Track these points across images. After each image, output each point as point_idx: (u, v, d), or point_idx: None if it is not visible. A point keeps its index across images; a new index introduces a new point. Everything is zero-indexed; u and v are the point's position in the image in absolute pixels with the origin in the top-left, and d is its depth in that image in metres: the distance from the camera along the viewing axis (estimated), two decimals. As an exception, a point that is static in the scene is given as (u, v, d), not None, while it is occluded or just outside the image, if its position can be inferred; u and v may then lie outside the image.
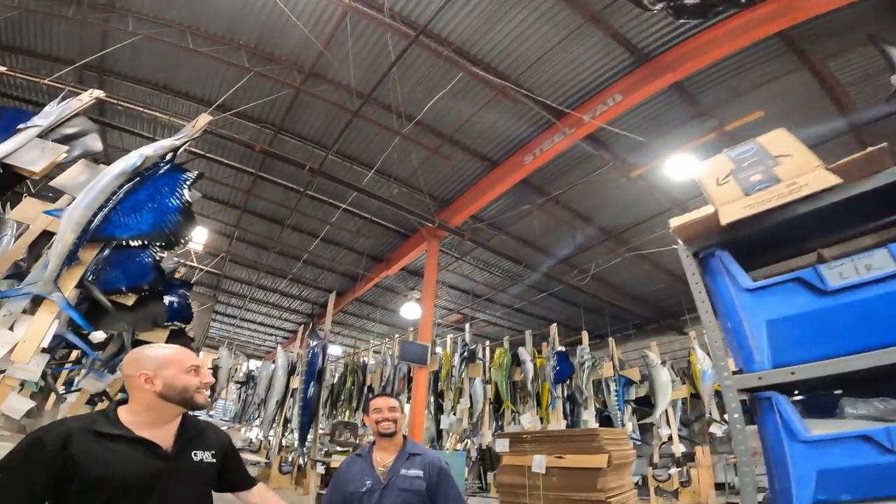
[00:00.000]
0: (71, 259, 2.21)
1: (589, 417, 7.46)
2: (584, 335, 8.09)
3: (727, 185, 1.70)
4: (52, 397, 4.40)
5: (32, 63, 6.08)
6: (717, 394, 7.48)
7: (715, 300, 1.70)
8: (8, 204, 2.88)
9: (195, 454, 1.41)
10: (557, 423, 7.13)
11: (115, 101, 4.57)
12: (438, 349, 8.18)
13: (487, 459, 8.83)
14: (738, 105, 6.00)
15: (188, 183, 2.57)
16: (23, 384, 3.85)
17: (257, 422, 9.57)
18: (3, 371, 2.17)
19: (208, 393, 1.45)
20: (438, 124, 6.84)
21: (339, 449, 6.64)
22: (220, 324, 15.77)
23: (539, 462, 5.72)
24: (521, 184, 7.43)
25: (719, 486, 7.84)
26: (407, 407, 8.00)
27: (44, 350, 2.26)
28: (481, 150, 7.28)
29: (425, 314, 7.33)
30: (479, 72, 5.77)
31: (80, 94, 2.83)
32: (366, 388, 9.16)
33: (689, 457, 8.16)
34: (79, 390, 4.50)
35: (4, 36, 5.95)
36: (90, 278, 2.40)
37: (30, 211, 2.46)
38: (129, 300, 2.80)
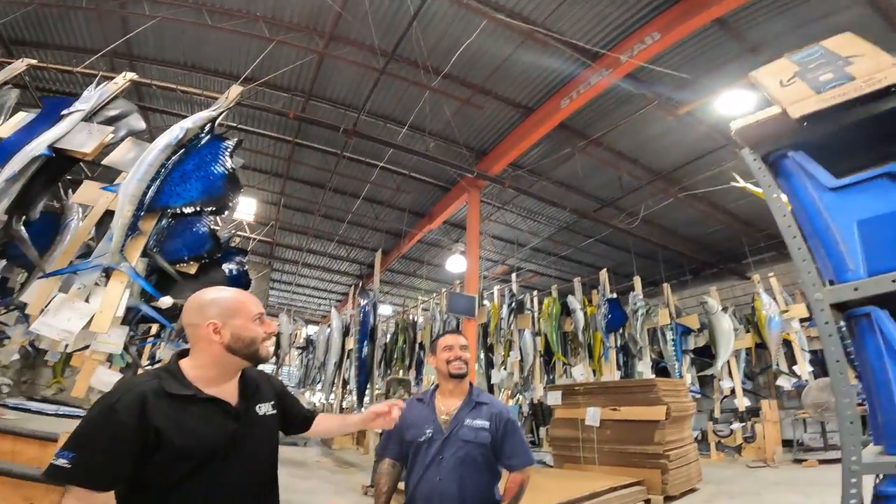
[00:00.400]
0: (132, 230, 2.35)
1: (644, 369, 7.23)
2: (637, 281, 7.79)
3: (793, 85, 1.50)
4: (139, 373, 4.90)
5: (61, 56, 6.31)
6: (786, 343, 7.02)
7: (792, 206, 1.51)
8: (70, 190, 3.06)
9: (259, 408, 1.33)
10: (611, 375, 6.99)
11: (149, 83, 4.67)
12: (486, 302, 8.21)
13: (539, 414, 8.97)
14: (790, 40, 5.26)
15: (229, 150, 2.68)
16: (111, 360, 4.33)
17: (318, 385, 10.04)
18: (87, 346, 2.35)
19: (272, 346, 1.33)
20: (467, 75, 6.59)
21: None
22: (277, 291, 16.64)
23: (592, 415, 5.61)
24: (560, 128, 7.12)
25: (787, 443, 7.43)
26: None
27: (123, 322, 2.43)
28: (514, 97, 6.97)
29: (470, 266, 7.32)
30: (504, 18, 5.44)
31: (114, 78, 2.93)
32: (417, 346, 9.49)
33: (754, 412, 7.73)
34: (160, 362, 4.97)
35: (27, 33, 6.19)
36: (153, 248, 2.55)
37: (90, 193, 2.61)
38: (192, 269, 2.94)
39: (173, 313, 3.41)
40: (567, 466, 5.68)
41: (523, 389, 8.16)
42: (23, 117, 2.65)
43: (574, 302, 7.69)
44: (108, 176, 2.69)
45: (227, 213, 2.82)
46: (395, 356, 9.87)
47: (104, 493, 1.10)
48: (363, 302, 7.62)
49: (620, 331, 7.53)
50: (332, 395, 8.80)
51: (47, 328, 2.15)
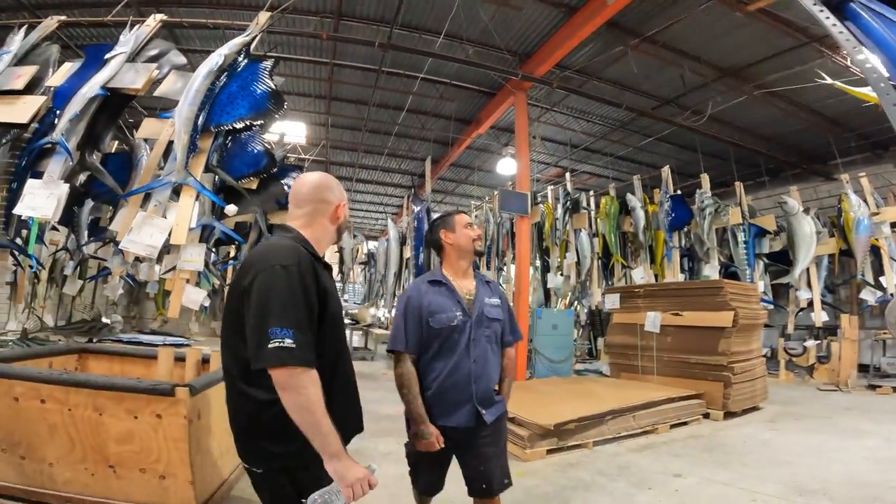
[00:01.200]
0: (192, 149, 2.57)
1: (711, 273, 6.69)
2: (704, 178, 7.16)
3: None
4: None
5: (88, 12, 6.09)
6: (874, 250, 6.27)
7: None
8: (134, 131, 3.25)
9: None
10: (674, 278, 6.65)
11: (179, 21, 4.53)
12: (540, 205, 7.99)
13: (598, 324, 8.89)
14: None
15: (268, 70, 2.81)
16: (199, 283, 4.83)
17: (381, 301, 10.41)
18: (173, 269, 2.70)
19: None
20: (500, -26, 5.79)
21: None
22: None
23: (653, 320, 5.47)
24: (609, 26, 6.38)
25: (862, 368, 6.69)
26: (512, 268, 8.28)
27: (200, 240, 2.76)
28: (554, -6, 6.14)
29: (521, 167, 7.06)
30: None
31: (146, 21, 3.02)
32: (471, 251, 9.60)
33: (831, 330, 6.94)
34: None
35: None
36: (216, 165, 2.78)
37: (151, 127, 2.85)
38: (254, 184, 3.16)
39: (244, 231, 3.95)
40: (624, 376, 5.64)
41: (581, 296, 8.14)
42: (70, 66, 2.82)
43: (633, 200, 7.27)
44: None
45: (274, 122, 2.97)
46: None
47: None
48: (417, 208, 7.70)
49: (686, 230, 7.10)
50: (394, 308, 9.33)
51: (133, 244, 2.47)
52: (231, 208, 2.85)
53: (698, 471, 3.30)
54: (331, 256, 14.62)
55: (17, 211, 2.46)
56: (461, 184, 14.19)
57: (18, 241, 3.26)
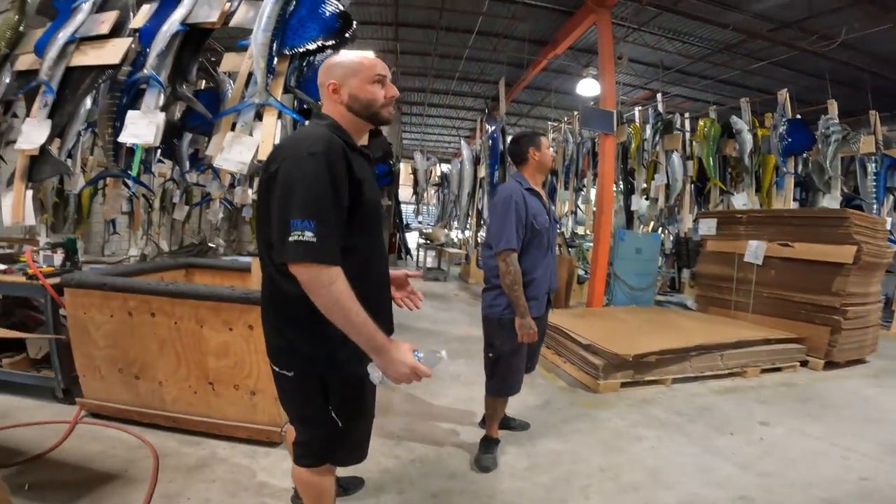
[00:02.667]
0: (270, 72, 2.68)
1: (831, 203, 5.92)
2: (832, 104, 6.04)
3: None
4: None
5: None
6: None
7: None
8: (217, 68, 3.41)
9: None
10: (784, 207, 5.90)
11: None
12: (626, 126, 7.30)
13: (684, 255, 8.21)
14: None
15: None
16: None
17: (455, 222, 10.46)
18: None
19: (392, 108, 1.27)
20: None
21: None
22: (409, 133, 17.39)
23: (755, 249, 4.86)
24: None
25: None
26: (593, 190, 7.81)
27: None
28: None
29: (606, 86, 6.34)
30: None
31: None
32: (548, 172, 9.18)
33: None
34: None
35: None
36: (293, 85, 2.86)
37: (231, 60, 2.97)
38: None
39: None
40: (712, 311, 5.15)
41: (668, 221, 7.56)
42: (148, 7, 2.90)
43: (739, 122, 6.35)
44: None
45: (346, 45, 2.90)
46: None
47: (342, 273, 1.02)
48: (491, 128, 7.40)
49: (805, 156, 6.16)
50: (468, 229, 9.26)
51: (226, 161, 2.64)
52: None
53: (787, 421, 3.06)
54: (405, 178, 14.96)
55: (121, 139, 2.69)
56: (536, 106, 13.53)
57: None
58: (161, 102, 2.73)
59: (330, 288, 1.00)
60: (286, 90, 2.79)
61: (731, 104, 7.53)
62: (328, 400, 1.18)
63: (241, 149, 2.62)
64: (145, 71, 2.70)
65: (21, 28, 3.04)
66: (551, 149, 2.24)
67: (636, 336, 3.87)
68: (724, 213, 5.76)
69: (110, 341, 2.38)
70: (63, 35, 2.83)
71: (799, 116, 6.19)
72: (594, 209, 6.46)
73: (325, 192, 1.02)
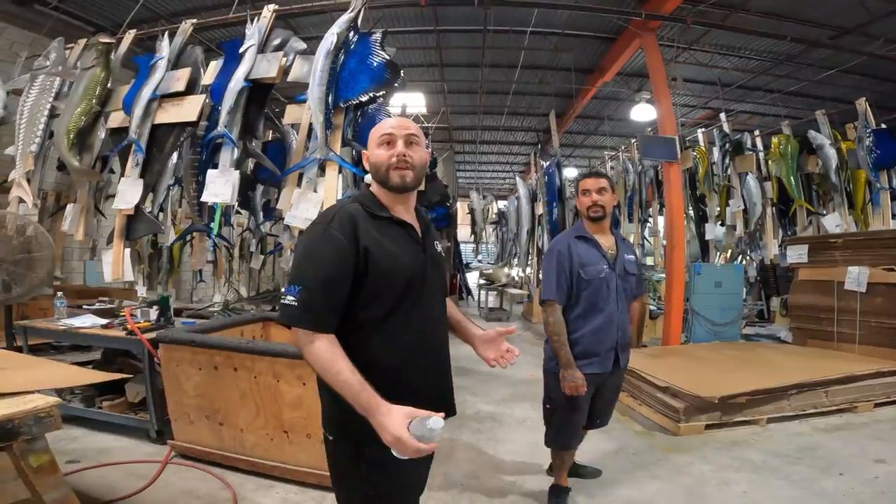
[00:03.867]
0: (328, 126, 2.82)
1: None
2: None
3: None
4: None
5: (210, 14, 6.70)
6: None
7: None
8: (281, 120, 3.67)
9: (435, 244, 1.28)
10: (883, 227, 5.26)
11: (288, 9, 4.74)
12: (691, 150, 6.97)
13: (772, 282, 7.55)
14: None
15: (378, 42, 2.94)
16: None
17: (515, 260, 10.29)
18: None
19: (409, 173, 1.16)
20: None
21: None
22: (463, 172, 17.74)
23: (856, 276, 4.37)
24: None
25: None
26: (661, 219, 7.41)
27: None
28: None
29: (662, 110, 6.11)
30: None
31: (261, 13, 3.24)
32: (611, 204, 8.87)
33: None
34: None
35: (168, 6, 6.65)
36: (350, 136, 3.03)
37: (293, 113, 3.18)
38: None
39: None
40: (811, 343, 4.67)
41: (750, 248, 6.98)
42: (216, 64, 3.19)
43: (819, 137, 5.84)
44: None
45: (394, 93, 3.10)
46: None
47: (328, 336, 1.03)
48: (545, 164, 7.35)
49: (896, 169, 5.52)
50: (529, 267, 9.10)
51: (295, 219, 2.80)
52: (369, 177, 3.05)
53: None
54: (462, 217, 15.15)
55: (203, 199, 2.97)
56: (590, 135, 13.31)
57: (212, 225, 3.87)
58: (235, 159, 2.99)
59: (308, 348, 1.02)
60: (345, 143, 2.94)
61: (806, 117, 6.95)
62: (359, 467, 1.12)
63: (307, 206, 2.78)
64: (219, 129, 2.95)
65: (108, 84, 3.34)
66: (601, 184, 2.09)
67: (722, 375, 3.55)
68: (816, 238, 5.22)
69: (199, 391, 2.58)
70: (146, 93, 3.10)
71: (884, 126, 5.59)
72: (663, 242, 6.11)
73: (311, 261, 1.07)
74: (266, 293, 10.32)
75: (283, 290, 1.08)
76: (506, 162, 16.58)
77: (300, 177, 2.97)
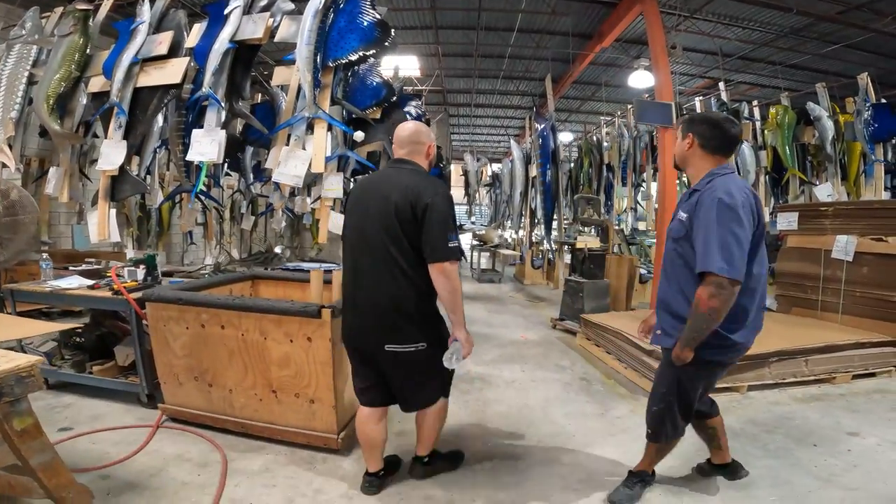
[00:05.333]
0: (317, 85, 2.76)
1: None
2: None
3: None
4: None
5: None
6: None
7: None
8: (269, 82, 3.65)
9: None
10: (874, 197, 5.27)
11: None
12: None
13: None
14: None
15: (369, 1, 2.86)
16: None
17: (508, 222, 10.29)
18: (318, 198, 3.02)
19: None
20: None
21: (582, 230, 6.05)
22: (458, 136, 17.49)
23: (845, 245, 4.37)
24: None
25: None
26: (654, 184, 7.38)
27: (338, 170, 2.99)
28: None
29: (661, 77, 5.95)
30: None
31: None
32: (604, 168, 8.83)
33: None
34: None
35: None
36: (340, 96, 3.00)
37: (281, 74, 3.17)
38: (377, 113, 3.35)
39: (374, 159, 4.34)
40: (795, 311, 4.69)
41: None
42: (199, 27, 3.08)
43: (817, 109, 5.78)
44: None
45: (386, 52, 3.04)
46: (582, 182, 9.37)
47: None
48: (540, 126, 7.22)
49: (894, 141, 5.54)
50: (521, 229, 9.06)
51: (282, 176, 2.76)
52: (358, 134, 3.04)
53: (881, 431, 2.71)
54: (456, 179, 15.01)
55: (188, 158, 2.88)
56: (587, 101, 13.16)
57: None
58: (221, 120, 2.90)
59: (455, 274, 1.73)
60: (334, 102, 2.88)
61: (805, 90, 6.91)
62: (437, 360, 1.80)
63: (295, 162, 2.73)
64: (203, 90, 2.85)
65: (88, 50, 3.28)
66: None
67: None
68: (807, 205, 5.21)
69: (187, 351, 2.55)
70: (127, 56, 3.02)
71: (884, 101, 5.55)
72: (655, 206, 6.09)
73: (453, 218, 1.78)
74: (258, 254, 10.21)
75: (448, 236, 1.71)
76: (501, 126, 16.32)
77: (289, 137, 2.89)
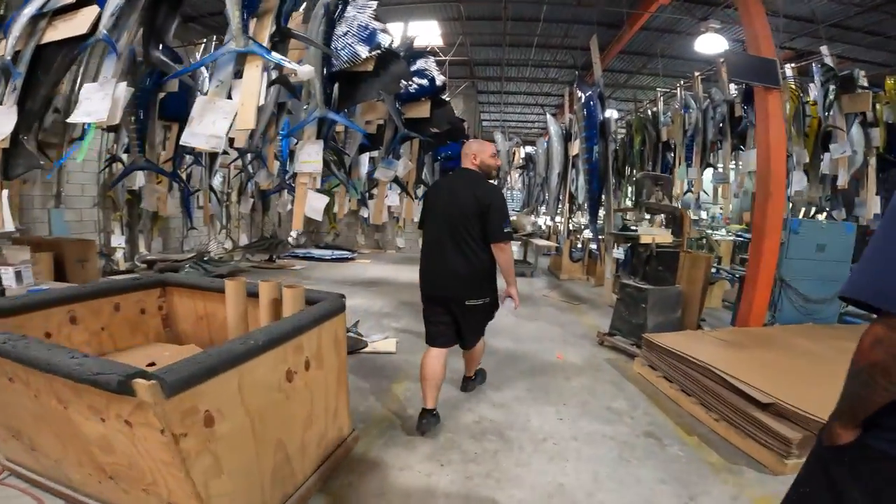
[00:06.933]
0: (249, 7, 1.96)
1: None
2: None
3: None
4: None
5: None
6: None
7: None
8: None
9: None
10: None
11: None
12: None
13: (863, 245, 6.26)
14: None
15: None
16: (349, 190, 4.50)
17: (543, 207, 9.27)
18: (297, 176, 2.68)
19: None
20: None
21: (645, 217, 4.73)
22: (488, 114, 16.15)
23: None
24: None
25: None
26: (751, 161, 5.96)
27: (317, 137, 2.62)
28: None
29: (756, 27, 4.38)
30: None
31: None
32: (660, 146, 7.50)
33: None
34: (376, 184, 4.95)
35: None
36: (321, 41, 2.42)
37: None
38: (370, 64, 2.86)
39: (380, 133, 4.15)
40: None
41: (832, 205, 5.69)
42: None
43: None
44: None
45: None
46: (634, 162, 8.07)
47: None
48: (584, 94, 6.03)
49: None
50: (559, 214, 7.82)
51: (195, 138, 1.96)
52: (305, 69, 2.22)
53: None
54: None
55: (71, 119, 2.07)
56: (635, 74, 11.46)
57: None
58: (119, 70, 2.09)
59: (509, 249, 2.54)
60: (283, 34, 2.04)
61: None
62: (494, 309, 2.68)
63: (213, 118, 1.85)
64: (98, 33, 2.06)
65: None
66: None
67: (835, 380, 2.47)
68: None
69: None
70: (28, 10, 2.37)
71: None
72: (735, 191, 4.84)
73: (507, 207, 2.61)
74: (262, 240, 9.41)
75: (505, 223, 2.49)
76: (535, 103, 14.82)
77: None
